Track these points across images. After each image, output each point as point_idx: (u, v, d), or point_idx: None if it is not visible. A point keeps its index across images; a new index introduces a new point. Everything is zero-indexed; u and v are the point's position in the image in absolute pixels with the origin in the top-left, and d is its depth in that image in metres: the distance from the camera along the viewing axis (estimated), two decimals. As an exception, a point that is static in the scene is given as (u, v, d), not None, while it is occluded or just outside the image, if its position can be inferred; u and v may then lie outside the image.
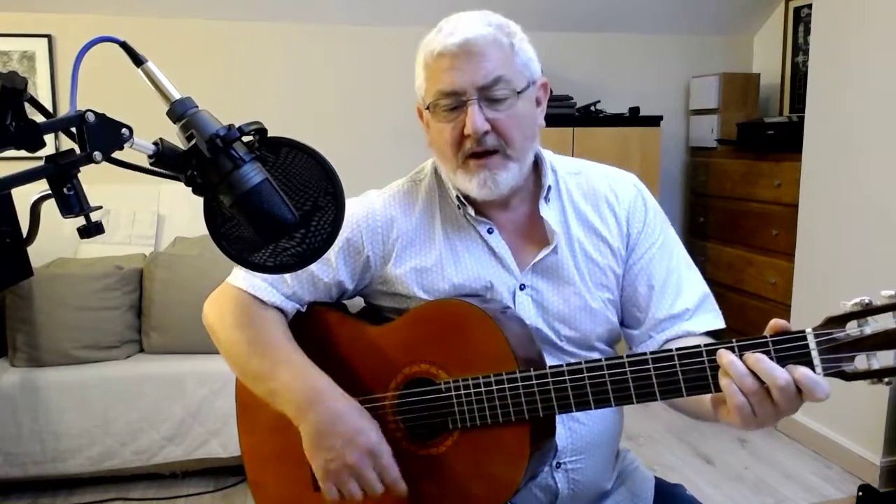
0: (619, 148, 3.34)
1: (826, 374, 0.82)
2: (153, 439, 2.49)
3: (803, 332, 0.83)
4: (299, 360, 1.07)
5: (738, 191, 3.42)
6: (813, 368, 0.81)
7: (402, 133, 3.51)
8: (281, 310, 1.12)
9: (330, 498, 1.00)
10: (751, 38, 3.96)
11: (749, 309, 3.32)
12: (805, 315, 2.88)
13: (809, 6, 3.27)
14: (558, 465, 1.09)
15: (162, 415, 2.49)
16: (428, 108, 1.06)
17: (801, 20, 3.59)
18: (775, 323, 0.85)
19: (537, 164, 1.14)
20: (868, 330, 0.81)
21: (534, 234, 1.12)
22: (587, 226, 1.12)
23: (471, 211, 1.10)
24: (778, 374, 0.81)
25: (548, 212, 1.10)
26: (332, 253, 1.10)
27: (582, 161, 1.20)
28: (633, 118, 3.48)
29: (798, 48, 3.60)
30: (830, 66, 2.73)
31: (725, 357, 0.84)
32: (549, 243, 1.09)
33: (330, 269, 1.12)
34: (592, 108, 3.48)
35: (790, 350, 0.83)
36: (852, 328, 0.82)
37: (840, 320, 0.82)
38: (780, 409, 0.82)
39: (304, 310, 1.15)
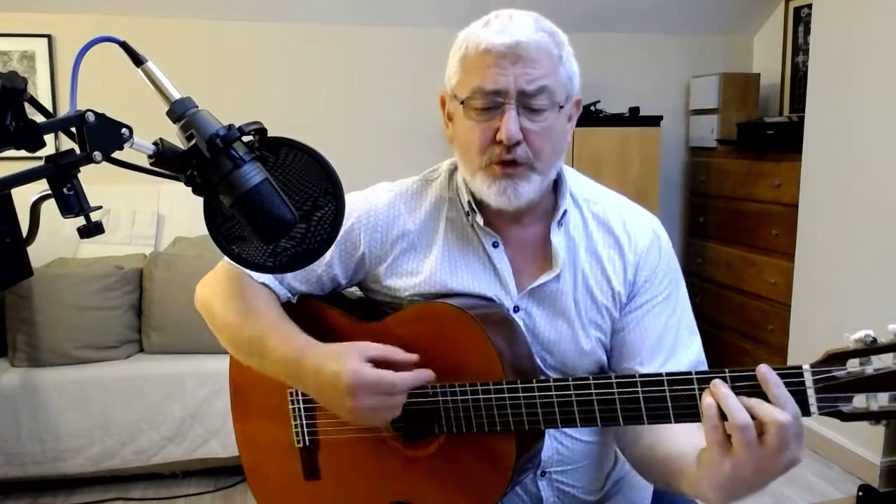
0: (619, 148, 3.33)
1: (822, 414, 0.77)
2: (153, 439, 2.49)
3: (800, 367, 0.78)
4: (283, 325, 1.04)
5: (738, 191, 3.42)
6: (808, 407, 0.77)
7: (401, 133, 3.52)
8: (270, 289, 1.10)
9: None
10: (751, 38, 3.96)
11: (749, 309, 3.32)
12: (805, 315, 2.88)
13: (809, 6, 3.27)
14: (543, 474, 1.07)
15: (162, 415, 2.49)
16: (462, 102, 0.98)
17: (801, 20, 3.59)
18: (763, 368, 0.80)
19: (556, 184, 1.08)
20: (870, 369, 0.75)
21: (539, 256, 1.07)
22: (595, 260, 1.07)
23: (479, 220, 1.05)
24: (779, 413, 0.75)
25: (559, 237, 1.06)
26: None
27: (602, 190, 1.14)
28: (633, 118, 3.47)
29: (798, 48, 3.60)
30: (830, 66, 2.73)
31: (719, 389, 0.79)
32: (552, 268, 1.05)
33: (323, 262, 1.09)
34: (592, 108, 3.47)
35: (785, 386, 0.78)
36: (853, 366, 0.77)
37: (841, 357, 0.77)
38: (764, 455, 0.76)
39: (294, 300, 1.13)
